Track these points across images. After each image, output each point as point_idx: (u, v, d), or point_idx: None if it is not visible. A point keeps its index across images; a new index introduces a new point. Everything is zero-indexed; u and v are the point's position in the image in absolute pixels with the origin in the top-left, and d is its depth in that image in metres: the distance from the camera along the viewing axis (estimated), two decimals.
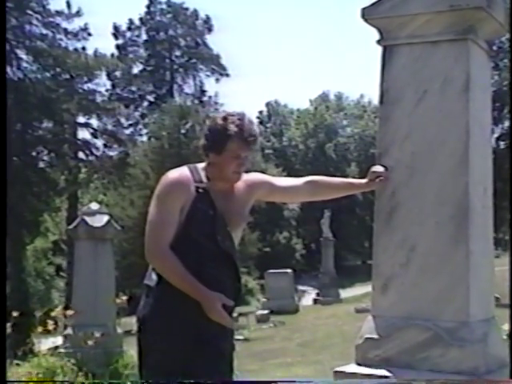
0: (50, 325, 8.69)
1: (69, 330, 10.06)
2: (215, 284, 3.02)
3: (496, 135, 27.25)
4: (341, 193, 3.66)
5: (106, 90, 40.98)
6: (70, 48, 32.54)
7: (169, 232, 3.04)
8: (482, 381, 3.15)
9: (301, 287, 31.79)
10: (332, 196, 3.64)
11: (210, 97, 46.89)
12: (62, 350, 9.59)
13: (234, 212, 3.18)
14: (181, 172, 3.14)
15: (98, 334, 9.19)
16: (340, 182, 3.60)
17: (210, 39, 47.65)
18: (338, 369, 3.40)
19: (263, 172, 3.63)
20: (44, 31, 31.84)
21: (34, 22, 31.36)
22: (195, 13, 47.29)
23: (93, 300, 10.12)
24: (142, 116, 45.17)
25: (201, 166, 3.21)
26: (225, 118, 3.12)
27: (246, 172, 3.31)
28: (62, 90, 31.86)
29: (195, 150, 26.31)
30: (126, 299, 10.16)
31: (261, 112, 55.27)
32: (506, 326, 6.18)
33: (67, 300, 24.81)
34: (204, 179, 3.15)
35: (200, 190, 3.10)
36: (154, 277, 3.09)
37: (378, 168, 3.46)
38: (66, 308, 10.87)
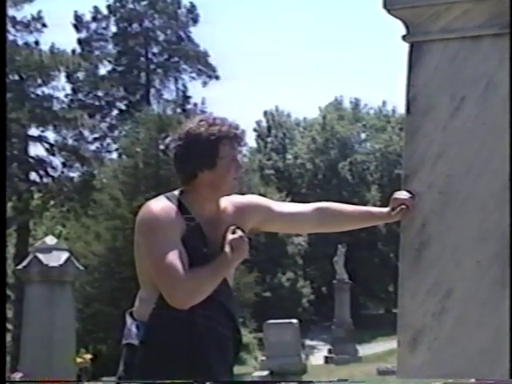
0: None
1: None
2: (212, 336, 3.11)
3: None
4: (357, 224, 3.67)
5: (66, 96, 41.18)
6: (20, 42, 32.72)
7: (181, 264, 3.03)
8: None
9: (309, 342, 31.68)
10: (346, 227, 3.66)
11: (195, 104, 46.97)
12: None
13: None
14: (162, 202, 3.16)
15: None
16: (356, 211, 3.60)
17: (195, 32, 47.87)
18: None
19: (262, 196, 3.66)
20: None
21: None
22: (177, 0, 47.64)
23: (46, 359, 10.07)
24: (111, 128, 45.24)
25: (177, 193, 3.23)
26: (199, 125, 3.17)
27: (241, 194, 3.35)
28: (9, 94, 31.97)
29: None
30: (90, 358, 10.11)
31: (259, 123, 55.44)
32: None
33: (13, 360, 24.65)
34: (188, 208, 3.17)
35: (190, 223, 3.14)
36: (137, 332, 3.11)
37: (402, 194, 3.47)
38: (13, 370, 10.82)
